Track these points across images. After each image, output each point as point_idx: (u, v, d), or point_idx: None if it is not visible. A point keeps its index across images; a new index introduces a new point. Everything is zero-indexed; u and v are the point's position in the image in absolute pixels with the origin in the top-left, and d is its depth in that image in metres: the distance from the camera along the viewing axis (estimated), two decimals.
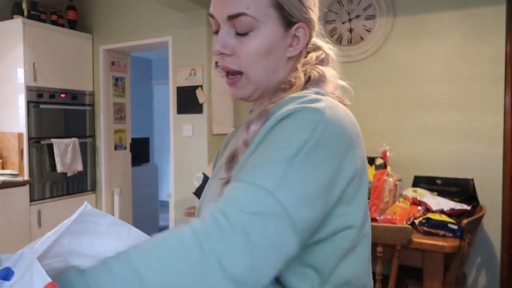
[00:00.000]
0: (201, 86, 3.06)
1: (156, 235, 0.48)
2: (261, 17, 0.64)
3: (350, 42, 2.80)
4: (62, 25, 3.52)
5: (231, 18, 0.64)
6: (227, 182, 0.62)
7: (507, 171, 2.39)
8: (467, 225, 1.72)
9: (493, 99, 2.42)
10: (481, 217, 1.94)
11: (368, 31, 2.75)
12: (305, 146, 0.52)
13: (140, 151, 5.07)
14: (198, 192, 2.53)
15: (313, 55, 0.72)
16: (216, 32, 0.69)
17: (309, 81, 0.67)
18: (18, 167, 3.19)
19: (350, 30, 2.80)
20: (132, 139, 4.11)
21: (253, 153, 0.57)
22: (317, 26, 0.72)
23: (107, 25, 3.60)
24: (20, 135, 3.19)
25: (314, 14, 0.70)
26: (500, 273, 2.42)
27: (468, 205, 2.13)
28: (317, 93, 0.63)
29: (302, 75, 0.68)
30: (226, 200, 0.49)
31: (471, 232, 1.87)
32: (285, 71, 0.70)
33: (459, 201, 2.18)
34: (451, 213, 1.97)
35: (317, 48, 0.75)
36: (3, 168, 3.25)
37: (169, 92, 3.26)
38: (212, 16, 0.68)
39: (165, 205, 5.72)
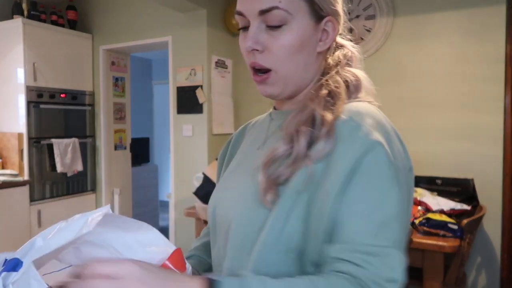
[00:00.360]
0: (201, 86, 3.06)
1: (308, 278, 0.52)
2: (293, 10, 0.63)
3: (350, 42, 2.80)
4: (62, 25, 3.52)
5: (263, 12, 0.63)
6: (273, 186, 0.60)
7: (507, 171, 2.39)
8: (467, 225, 1.72)
9: (493, 99, 2.42)
10: (481, 217, 1.95)
11: (368, 31, 2.75)
12: (401, 198, 0.57)
13: (140, 151, 5.07)
14: (198, 192, 2.53)
15: (339, 54, 0.72)
16: (243, 29, 0.67)
17: (349, 87, 0.67)
18: (18, 167, 3.19)
19: (350, 30, 2.80)
20: (132, 139, 4.11)
21: (344, 190, 0.55)
22: (343, 20, 0.72)
23: (107, 25, 3.60)
24: (20, 135, 3.19)
25: (340, 7, 0.70)
26: (500, 273, 2.42)
27: (468, 205, 2.13)
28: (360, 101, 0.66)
29: (339, 79, 0.68)
30: (372, 269, 0.52)
31: (471, 232, 1.86)
32: (315, 67, 0.69)
33: (459, 201, 2.18)
34: (451, 213, 1.97)
35: (339, 46, 0.74)
36: (3, 168, 3.25)
37: (169, 92, 3.26)
38: (240, 13, 0.66)
39: (165, 205, 5.72)
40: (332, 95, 0.65)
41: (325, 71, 0.70)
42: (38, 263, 0.44)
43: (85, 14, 3.71)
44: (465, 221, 1.73)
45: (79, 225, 0.47)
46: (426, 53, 2.60)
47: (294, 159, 0.60)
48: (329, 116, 0.61)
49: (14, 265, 0.45)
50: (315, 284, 0.51)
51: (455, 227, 1.72)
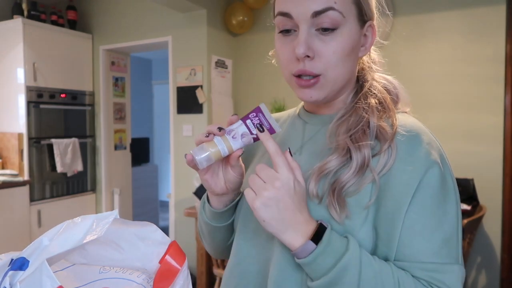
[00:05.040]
0: (201, 86, 3.06)
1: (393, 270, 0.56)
2: (346, 13, 0.61)
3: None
4: (62, 25, 3.52)
5: (317, 14, 0.59)
6: (342, 200, 0.59)
7: (507, 171, 2.39)
8: (467, 225, 1.73)
9: (493, 99, 2.42)
10: (481, 217, 1.95)
11: None
12: (457, 215, 0.60)
13: (140, 151, 5.08)
14: (198, 192, 2.53)
15: (365, 60, 0.72)
16: (284, 32, 0.64)
17: (390, 95, 0.69)
18: (18, 167, 3.19)
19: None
20: (132, 139, 4.11)
21: (409, 205, 0.57)
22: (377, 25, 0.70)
23: (107, 25, 3.60)
24: (20, 135, 3.19)
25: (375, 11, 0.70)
26: (500, 273, 2.42)
27: (468, 205, 2.13)
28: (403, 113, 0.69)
29: (379, 86, 0.68)
30: (436, 282, 0.56)
31: (471, 232, 1.87)
32: (355, 72, 0.69)
33: None
34: None
35: None
36: (3, 168, 3.25)
37: (169, 92, 3.26)
38: (286, 14, 0.62)
39: (165, 205, 5.72)
40: (382, 105, 0.65)
41: (358, 75, 0.70)
42: (48, 263, 0.45)
43: (85, 14, 3.71)
44: (465, 221, 1.73)
45: (85, 227, 0.47)
46: (426, 53, 2.60)
47: (357, 169, 0.59)
48: (388, 129, 0.61)
49: (20, 264, 0.45)
50: (401, 277, 0.55)
51: None
